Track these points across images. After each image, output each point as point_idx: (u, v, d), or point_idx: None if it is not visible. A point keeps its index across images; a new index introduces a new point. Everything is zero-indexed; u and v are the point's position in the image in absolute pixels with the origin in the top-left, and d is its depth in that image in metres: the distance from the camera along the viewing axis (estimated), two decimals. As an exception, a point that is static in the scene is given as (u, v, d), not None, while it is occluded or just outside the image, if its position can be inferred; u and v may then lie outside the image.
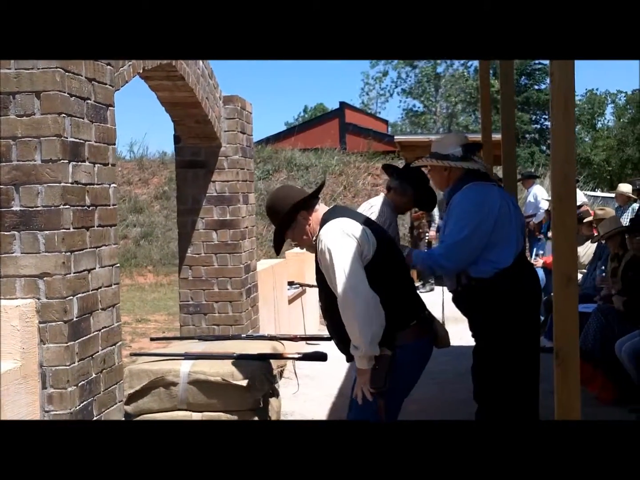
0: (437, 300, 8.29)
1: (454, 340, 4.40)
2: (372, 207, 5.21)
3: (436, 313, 5.15)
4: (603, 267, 7.82)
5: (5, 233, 3.67)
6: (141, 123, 77.23)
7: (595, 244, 8.59)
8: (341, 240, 3.63)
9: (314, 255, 3.88)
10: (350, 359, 3.84)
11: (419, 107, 49.00)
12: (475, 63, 41.97)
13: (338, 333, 3.81)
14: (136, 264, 18.97)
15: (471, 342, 4.57)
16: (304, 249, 4.06)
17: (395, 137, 16.81)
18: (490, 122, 8.06)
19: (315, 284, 4.04)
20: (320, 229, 3.77)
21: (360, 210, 5.06)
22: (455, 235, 4.33)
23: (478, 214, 4.33)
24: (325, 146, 24.38)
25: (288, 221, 3.85)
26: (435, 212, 13.10)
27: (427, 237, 13.05)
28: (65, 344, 3.66)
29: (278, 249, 4.01)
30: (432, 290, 12.99)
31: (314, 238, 3.82)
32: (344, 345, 3.80)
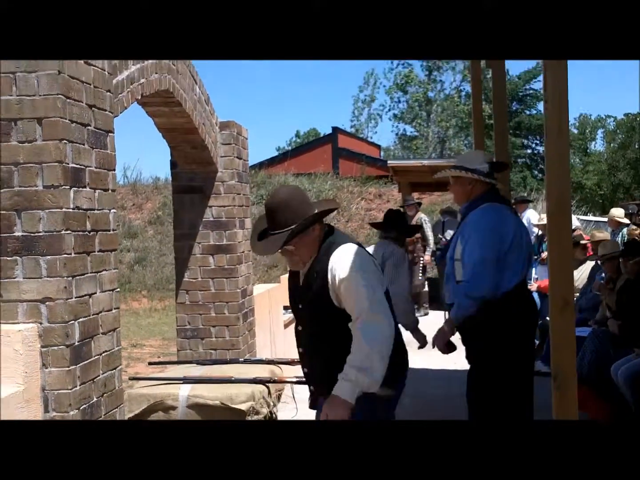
0: (433, 322, 8.28)
1: (448, 365, 4.42)
2: (386, 251, 6.20)
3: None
4: (603, 275, 7.81)
5: (8, 258, 3.70)
6: (134, 148, 77.28)
7: (590, 267, 8.64)
8: (367, 267, 3.39)
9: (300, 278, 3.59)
10: (313, 404, 3.56)
11: (411, 132, 49.19)
12: (468, 88, 42.22)
13: (325, 363, 3.47)
14: (130, 288, 18.93)
15: (464, 366, 4.59)
16: (289, 264, 3.63)
17: (389, 162, 16.80)
18: (483, 147, 8.13)
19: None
20: (323, 250, 3.46)
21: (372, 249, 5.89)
22: (476, 259, 4.35)
23: (495, 235, 4.36)
24: (318, 171, 24.48)
25: (305, 226, 3.42)
26: (430, 236, 13.16)
27: (422, 262, 13.06)
28: (67, 368, 3.68)
29: (271, 252, 3.54)
30: (426, 314, 13.01)
31: (312, 257, 3.50)
32: (327, 378, 3.40)
